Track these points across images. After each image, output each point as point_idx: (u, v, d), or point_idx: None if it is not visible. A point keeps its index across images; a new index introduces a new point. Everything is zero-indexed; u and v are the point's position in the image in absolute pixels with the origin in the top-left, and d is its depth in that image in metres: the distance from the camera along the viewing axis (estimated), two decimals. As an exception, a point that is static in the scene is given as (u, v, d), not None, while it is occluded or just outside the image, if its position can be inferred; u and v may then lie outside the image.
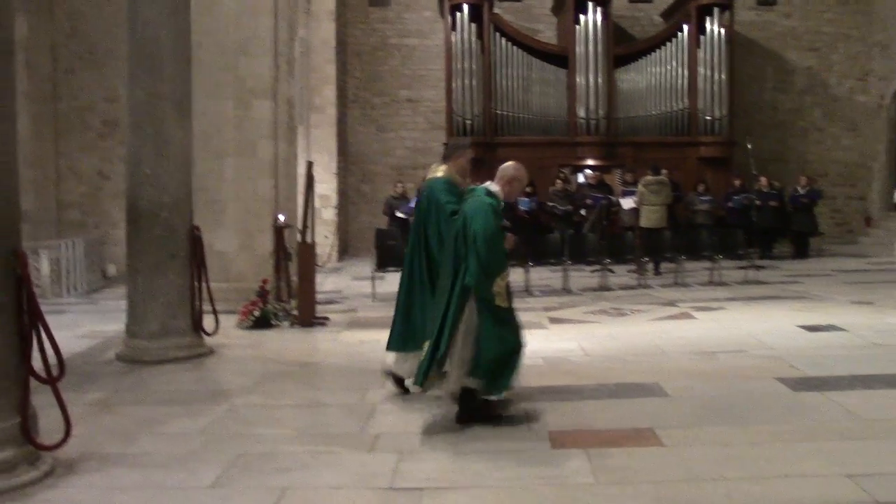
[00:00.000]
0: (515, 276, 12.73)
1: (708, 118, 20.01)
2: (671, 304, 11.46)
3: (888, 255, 17.50)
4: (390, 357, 6.64)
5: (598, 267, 13.90)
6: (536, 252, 13.49)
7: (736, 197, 18.14)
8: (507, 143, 19.22)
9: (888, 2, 21.11)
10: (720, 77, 19.97)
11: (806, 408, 6.18)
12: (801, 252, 18.17)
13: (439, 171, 6.62)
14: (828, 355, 7.88)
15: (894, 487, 4.58)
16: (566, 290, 13.05)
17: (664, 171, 16.14)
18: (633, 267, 14.52)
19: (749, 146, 17.77)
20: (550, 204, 17.17)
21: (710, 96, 20.00)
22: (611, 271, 14.07)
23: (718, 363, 7.74)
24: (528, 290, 12.83)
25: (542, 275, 13.90)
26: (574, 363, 7.87)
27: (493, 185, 6.04)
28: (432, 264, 6.34)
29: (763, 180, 18.53)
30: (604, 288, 13.34)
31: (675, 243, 14.71)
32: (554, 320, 10.31)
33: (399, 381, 6.55)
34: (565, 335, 9.32)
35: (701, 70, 20.13)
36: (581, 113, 19.88)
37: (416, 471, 4.96)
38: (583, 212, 16.97)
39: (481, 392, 5.74)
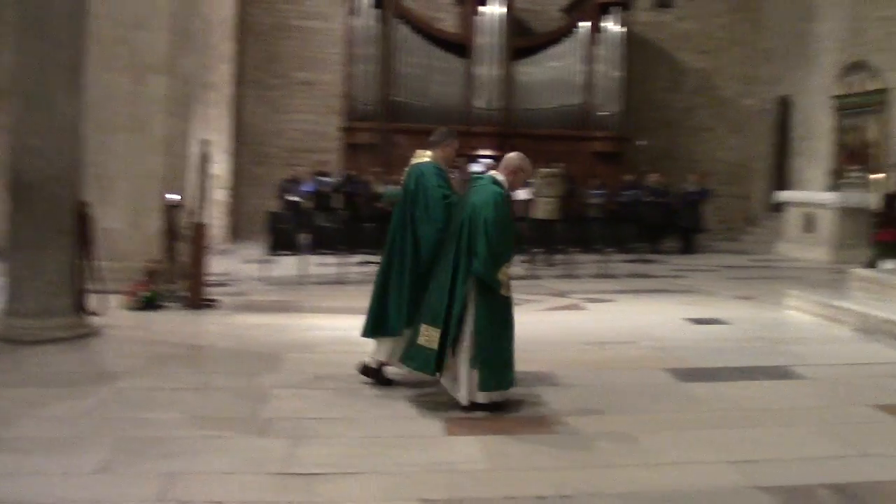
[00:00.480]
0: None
1: (602, 114, 20.38)
2: (562, 294, 11.62)
3: (768, 253, 18.15)
4: (371, 346, 6.54)
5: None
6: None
7: (627, 192, 18.53)
8: (404, 131, 19.14)
9: (776, 12, 21.85)
10: (616, 74, 20.37)
11: (693, 398, 6.36)
12: (688, 248, 18.69)
13: (426, 157, 6.58)
14: (713, 347, 8.12)
15: (773, 473, 4.77)
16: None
17: (558, 165, 16.34)
18: (525, 257, 14.66)
19: (644, 142, 18.17)
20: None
21: (606, 92, 20.37)
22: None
23: (609, 353, 7.89)
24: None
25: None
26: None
27: (498, 175, 6.06)
28: (418, 246, 6.28)
29: (653, 177, 19.01)
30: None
31: (568, 235, 14.93)
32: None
33: (374, 372, 6.46)
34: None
35: (597, 67, 20.48)
36: (478, 103, 19.99)
37: (309, 456, 4.90)
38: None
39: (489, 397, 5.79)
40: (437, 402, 5.98)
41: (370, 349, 6.55)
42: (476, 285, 5.74)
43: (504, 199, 5.88)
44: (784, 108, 21.21)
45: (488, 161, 18.72)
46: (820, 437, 5.51)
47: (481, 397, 5.77)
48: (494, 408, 5.80)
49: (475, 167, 19.24)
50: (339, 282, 12.23)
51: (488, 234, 5.67)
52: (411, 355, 5.95)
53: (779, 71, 21.54)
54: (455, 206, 6.18)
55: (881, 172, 15.93)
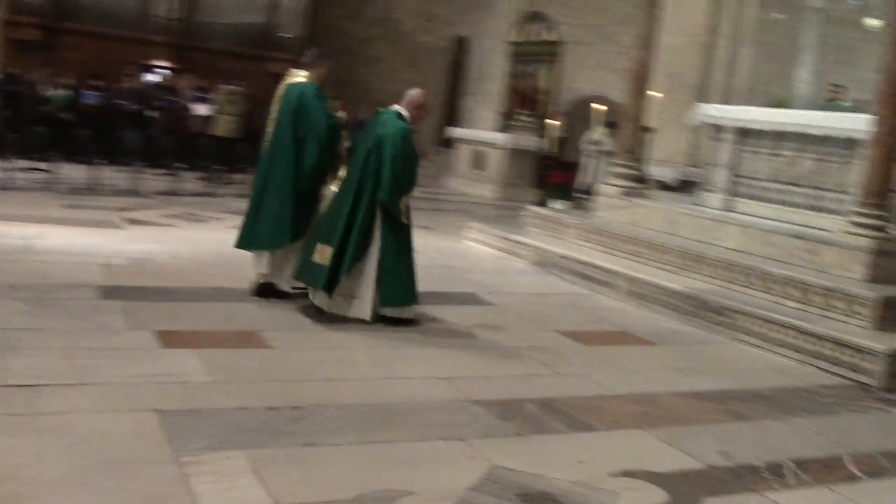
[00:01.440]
0: (82, 172, 11.95)
1: (284, 36, 19.99)
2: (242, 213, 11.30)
3: (437, 187, 18.87)
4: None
5: (168, 171, 13.32)
6: (106, 150, 12.59)
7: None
8: (76, 32, 17.54)
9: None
10: (301, -4, 20.05)
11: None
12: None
13: (301, 77, 6.62)
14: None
15: (483, 389, 5.03)
16: (137, 193, 12.33)
17: (240, 83, 15.87)
18: (204, 174, 14.12)
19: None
20: (121, 101, 16.09)
21: (291, 14, 19.99)
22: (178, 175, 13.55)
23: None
24: (96, 189, 11.92)
25: (112, 175, 12.99)
26: (163, 265, 7.48)
27: (402, 110, 6.31)
28: (300, 163, 6.37)
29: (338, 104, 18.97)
30: (175, 193, 12.83)
31: (249, 154, 14.52)
32: (132, 221, 9.68)
33: (266, 288, 6.54)
34: (147, 237, 8.80)
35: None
36: (157, 11, 18.80)
37: (23, 368, 4.42)
38: (153, 113, 16.14)
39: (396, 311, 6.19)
40: (140, 313, 5.63)
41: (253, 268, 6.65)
42: (381, 212, 6.08)
43: (409, 134, 6.22)
44: (460, 48, 21.99)
45: (165, 73, 17.78)
46: (517, 358, 5.84)
47: (390, 311, 6.15)
48: (406, 322, 6.20)
49: (150, 77, 18.19)
50: (4, 188, 11.03)
51: (395, 166, 6.04)
52: (304, 271, 6.20)
53: (458, 12, 22.26)
54: (358, 137, 6.51)
55: (553, 119, 17.11)
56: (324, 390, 4.67)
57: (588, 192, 12.60)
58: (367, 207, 6.05)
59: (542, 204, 11.74)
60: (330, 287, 6.01)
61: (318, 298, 6.12)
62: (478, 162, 18.07)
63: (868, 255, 7.30)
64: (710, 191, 9.77)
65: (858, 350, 6.20)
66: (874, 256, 7.30)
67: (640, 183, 10.57)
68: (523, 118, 18.17)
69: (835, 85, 13.13)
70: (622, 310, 7.80)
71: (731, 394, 5.51)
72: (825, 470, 4.33)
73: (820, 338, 6.46)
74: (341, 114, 7.25)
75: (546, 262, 9.22)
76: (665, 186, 13.86)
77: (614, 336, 6.84)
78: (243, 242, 6.64)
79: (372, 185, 6.06)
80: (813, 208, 8.68)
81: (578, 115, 18.11)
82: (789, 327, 6.69)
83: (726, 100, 14.87)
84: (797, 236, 7.99)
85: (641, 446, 4.40)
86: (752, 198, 9.22)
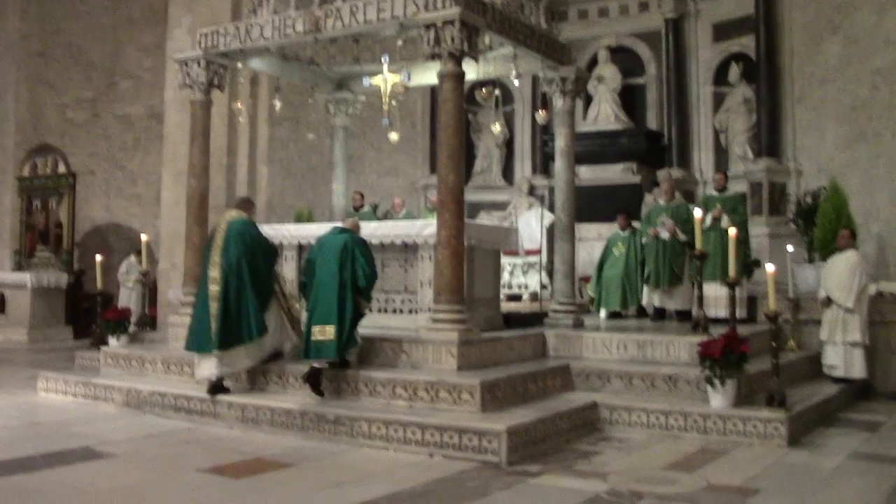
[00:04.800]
0: None
1: None
2: None
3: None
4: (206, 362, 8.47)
5: None
6: None
7: None
8: None
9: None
10: None
11: (22, 491, 5.76)
12: None
13: (236, 214, 8.94)
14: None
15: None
16: None
17: None
18: None
19: None
20: None
21: None
22: None
23: None
24: None
25: None
26: None
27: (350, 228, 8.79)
28: (258, 273, 8.62)
29: None
30: None
31: None
32: None
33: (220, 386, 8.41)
34: None
35: None
36: None
37: None
38: None
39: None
40: None
41: (203, 370, 8.48)
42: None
43: (364, 241, 8.62)
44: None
45: None
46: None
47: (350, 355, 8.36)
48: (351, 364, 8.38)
49: None
50: None
51: (366, 266, 8.31)
52: (314, 350, 8.13)
53: None
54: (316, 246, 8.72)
55: (71, 251, 16.28)
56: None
57: (141, 323, 12.19)
58: (352, 292, 8.23)
59: (101, 341, 11.09)
60: (340, 352, 8.11)
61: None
62: (-3, 305, 16.56)
63: (455, 347, 8.10)
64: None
65: (478, 433, 6.83)
66: (460, 347, 8.12)
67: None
68: (44, 254, 17.07)
69: (359, 193, 14.31)
70: (239, 437, 7.70)
71: (400, 496, 5.77)
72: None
73: (441, 429, 6.99)
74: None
75: (139, 402, 8.76)
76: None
77: (253, 465, 6.73)
78: (217, 344, 8.32)
79: (352, 277, 8.24)
80: (394, 311, 9.48)
81: (94, 245, 17.50)
82: (409, 424, 7.15)
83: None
84: (384, 339, 8.60)
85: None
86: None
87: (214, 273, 8.50)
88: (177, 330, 9.98)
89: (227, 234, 8.65)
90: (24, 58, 18.35)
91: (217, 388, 8.36)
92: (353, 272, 8.25)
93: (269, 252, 8.97)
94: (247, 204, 9.34)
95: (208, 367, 8.44)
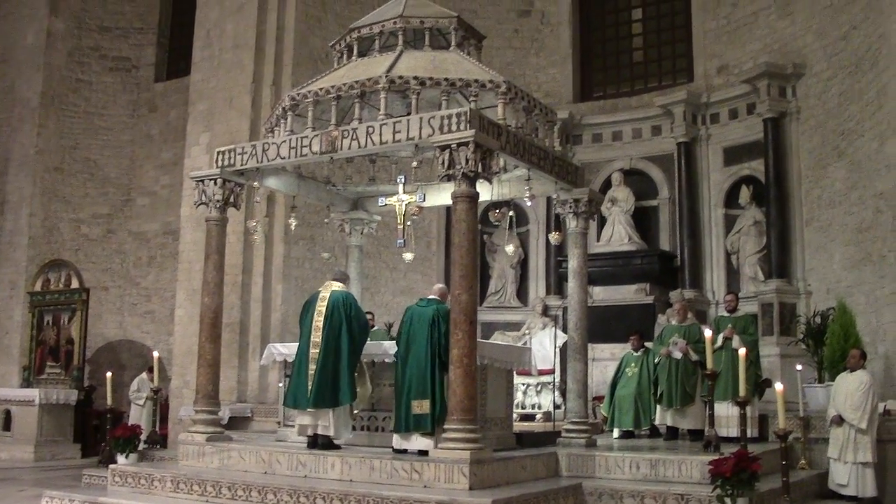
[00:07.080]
0: None
1: None
2: None
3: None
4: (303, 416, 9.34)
5: None
6: None
7: None
8: None
9: None
10: None
11: None
12: None
13: (339, 286, 9.70)
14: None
15: None
16: None
17: None
18: None
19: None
20: None
21: None
22: None
23: None
24: None
25: None
26: None
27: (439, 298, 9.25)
28: (354, 342, 9.30)
29: None
30: None
31: None
32: None
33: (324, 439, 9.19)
34: None
35: None
36: None
37: None
38: None
39: None
40: None
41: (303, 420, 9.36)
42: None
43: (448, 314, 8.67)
44: None
45: None
46: None
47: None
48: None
49: None
50: None
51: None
52: (414, 423, 8.72)
53: None
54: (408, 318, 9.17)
55: (82, 367, 16.29)
56: None
57: (151, 441, 12.13)
58: (440, 367, 8.68)
59: (110, 459, 11.01)
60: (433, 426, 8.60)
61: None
62: (4, 422, 16.48)
63: (468, 466, 8.01)
64: (290, 425, 10.03)
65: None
66: (473, 466, 8.04)
67: (220, 427, 10.45)
68: (53, 370, 17.08)
69: (370, 313, 14.38)
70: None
71: None
72: None
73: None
74: None
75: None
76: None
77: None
78: (314, 401, 9.07)
79: (441, 352, 8.66)
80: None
81: (106, 362, 17.55)
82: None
83: (264, 333, 15.52)
84: (396, 458, 8.53)
85: None
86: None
87: (316, 338, 9.26)
88: (187, 448, 9.92)
89: (332, 302, 9.37)
90: (40, 172, 18.83)
91: (314, 443, 9.25)
92: (439, 345, 8.73)
93: (364, 325, 9.55)
94: (346, 277, 10.22)
95: (307, 419, 9.30)
